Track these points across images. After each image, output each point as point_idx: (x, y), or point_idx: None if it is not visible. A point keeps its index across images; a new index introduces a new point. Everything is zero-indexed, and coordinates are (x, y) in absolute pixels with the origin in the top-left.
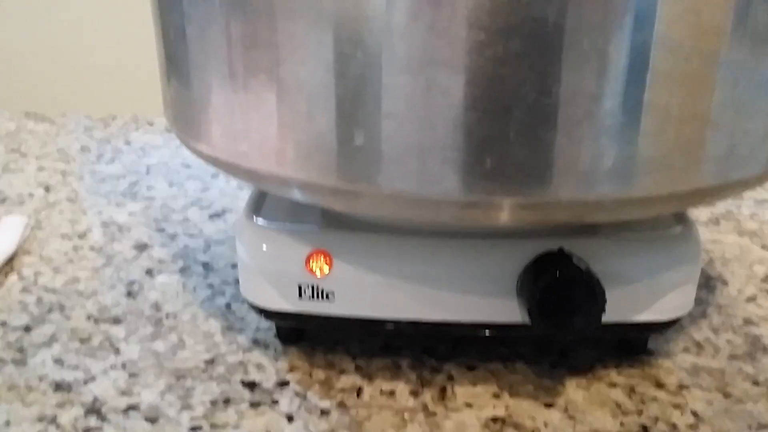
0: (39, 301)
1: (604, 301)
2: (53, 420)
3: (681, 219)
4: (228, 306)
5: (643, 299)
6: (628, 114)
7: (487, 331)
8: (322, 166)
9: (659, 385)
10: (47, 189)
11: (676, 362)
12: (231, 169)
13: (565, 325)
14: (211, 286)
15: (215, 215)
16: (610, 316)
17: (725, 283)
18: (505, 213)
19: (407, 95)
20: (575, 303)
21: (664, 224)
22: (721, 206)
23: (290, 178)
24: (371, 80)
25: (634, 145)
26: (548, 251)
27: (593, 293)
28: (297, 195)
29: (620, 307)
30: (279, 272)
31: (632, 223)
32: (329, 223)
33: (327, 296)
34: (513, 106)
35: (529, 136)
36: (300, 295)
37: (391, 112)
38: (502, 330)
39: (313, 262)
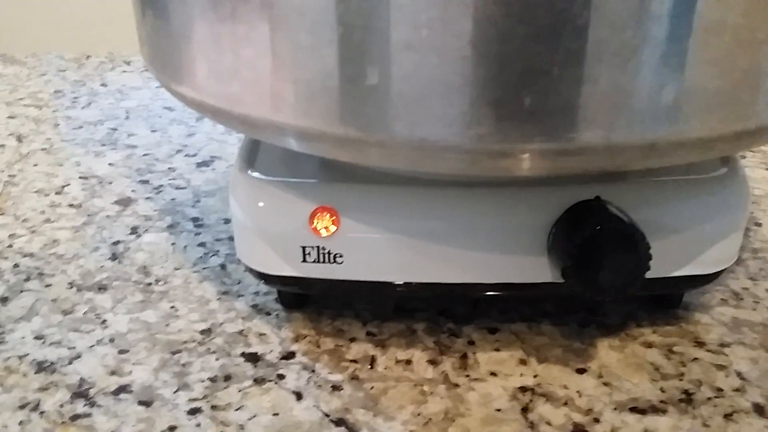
0: (15, 267)
1: (650, 256)
2: (36, 407)
3: (725, 159)
4: (223, 267)
5: (684, 251)
6: (687, 39)
7: (511, 292)
8: (327, 110)
9: (699, 343)
10: (19, 139)
11: (714, 316)
12: (219, 115)
13: (605, 285)
14: (203, 244)
15: (203, 164)
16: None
17: (758, 224)
18: (545, 161)
19: (429, 20)
20: (617, 259)
21: (706, 166)
22: None
23: (289, 125)
24: (383, 1)
25: (697, 76)
26: (583, 200)
27: (637, 247)
28: (296, 145)
29: (659, 260)
30: (279, 233)
31: (670, 167)
32: (333, 175)
33: (334, 258)
34: (560, 31)
35: (577, 69)
36: (304, 258)
37: (409, 41)
38: (528, 291)
39: (317, 220)
